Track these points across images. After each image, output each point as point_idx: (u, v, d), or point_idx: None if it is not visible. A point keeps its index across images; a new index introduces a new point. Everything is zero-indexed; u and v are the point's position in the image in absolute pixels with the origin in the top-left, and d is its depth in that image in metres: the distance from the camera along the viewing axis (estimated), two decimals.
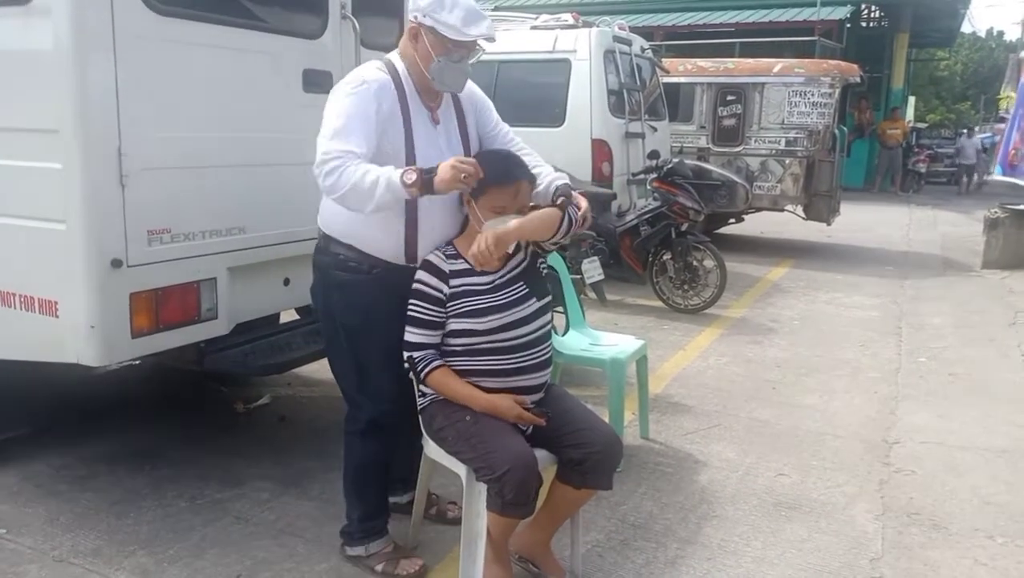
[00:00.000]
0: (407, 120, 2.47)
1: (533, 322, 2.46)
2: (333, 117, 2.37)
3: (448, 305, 2.42)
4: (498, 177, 2.41)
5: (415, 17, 2.44)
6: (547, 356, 2.53)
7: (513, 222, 2.36)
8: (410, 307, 2.45)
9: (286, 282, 3.35)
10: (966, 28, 31.45)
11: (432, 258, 2.47)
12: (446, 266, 2.44)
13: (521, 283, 2.46)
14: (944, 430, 4.16)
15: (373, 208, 2.29)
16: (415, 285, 2.44)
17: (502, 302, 2.42)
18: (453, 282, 2.42)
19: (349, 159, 2.28)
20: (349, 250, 2.52)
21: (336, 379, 2.74)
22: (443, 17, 2.39)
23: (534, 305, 2.47)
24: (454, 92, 2.61)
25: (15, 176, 2.74)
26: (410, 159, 2.44)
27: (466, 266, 2.44)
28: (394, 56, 2.55)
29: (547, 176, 2.57)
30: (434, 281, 2.43)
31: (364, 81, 2.42)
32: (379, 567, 2.69)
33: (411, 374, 2.48)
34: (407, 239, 2.49)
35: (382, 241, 2.49)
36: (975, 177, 19.39)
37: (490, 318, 2.40)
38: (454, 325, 2.43)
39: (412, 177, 2.25)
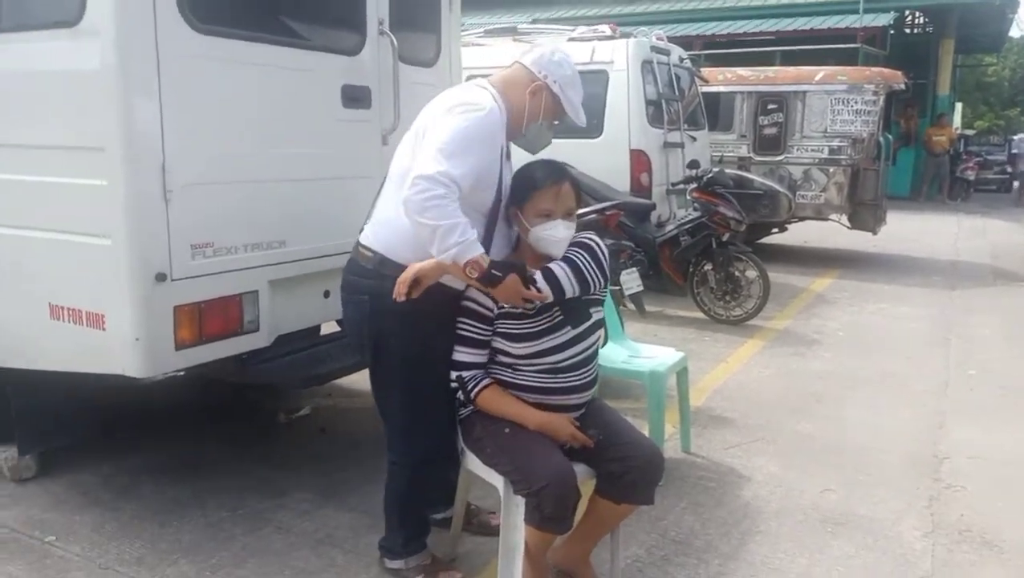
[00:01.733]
0: (502, 155, 2.47)
1: (571, 348, 2.42)
2: (458, 133, 2.28)
3: (495, 322, 2.42)
4: (542, 180, 2.41)
5: (544, 76, 2.47)
6: (589, 378, 2.50)
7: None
8: (459, 326, 2.44)
9: (326, 294, 3.37)
10: (1014, 32, 30.83)
11: None
12: None
13: (556, 309, 2.41)
14: (995, 445, 4.04)
15: (435, 255, 2.25)
16: (465, 303, 2.43)
17: (536, 329, 2.39)
18: None
19: (453, 196, 2.21)
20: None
21: (383, 414, 2.65)
22: (571, 95, 2.50)
23: (569, 333, 2.42)
24: (531, 152, 2.63)
25: (62, 193, 2.81)
26: (499, 192, 2.44)
27: None
28: (490, 88, 2.49)
29: None
30: (484, 299, 2.40)
31: (491, 109, 2.37)
32: None
33: (459, 393, 2.46)
34: None
35: None
36: (960, 181, 18.15)
37: (524, 345, 2.39)
38: (495, 343, 2.43)
39: (475, 274, 2.23)
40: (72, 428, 3.65)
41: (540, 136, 2.58)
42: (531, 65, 2.50)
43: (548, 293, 2.34)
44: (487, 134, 2.35)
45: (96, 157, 2.65)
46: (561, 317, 2.41)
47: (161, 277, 2.71)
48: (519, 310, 2.38)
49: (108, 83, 2.59)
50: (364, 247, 2.52)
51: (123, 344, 2.74)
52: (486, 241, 2.42)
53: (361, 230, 2.59)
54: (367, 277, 2.48)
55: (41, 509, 3.20)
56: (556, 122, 2.59)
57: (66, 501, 3.27)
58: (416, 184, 2.21)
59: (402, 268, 2.39)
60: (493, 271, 2.25)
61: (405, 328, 2.42)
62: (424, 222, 2.21)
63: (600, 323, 2.56)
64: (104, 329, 2.79)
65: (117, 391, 3.58)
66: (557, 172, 2.45)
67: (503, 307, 2.39)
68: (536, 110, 2.49)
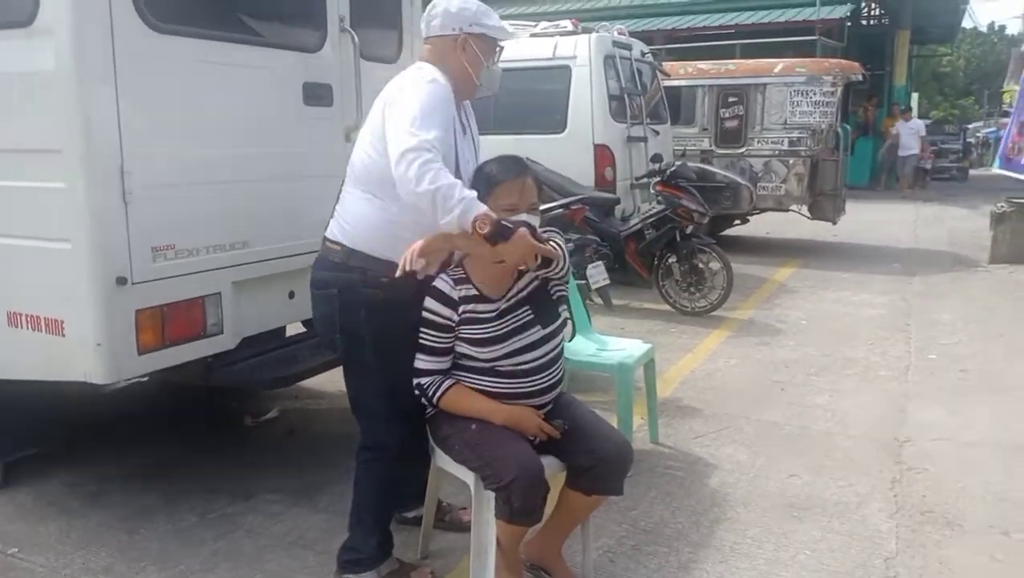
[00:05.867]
0: (453, 127, 2.49)
1: (538, 349, 2.43)
2: (418, 103, 2.30)
3: (456, 329, 2.40)
4: (504, 174, 2.40)
5: (459, 29, 2.51)
6: (554, 380, 2.50)
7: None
8: (420, 335, 2.42)
9: (291, 295, 3.35)
10: (967, 23, 31.46)
11: (440, 285, 2.42)
12: (455, 293, 2.40)
13: (527, 308, 2.43)
14: (956, 427, 4.14)
15: (441, 221, 2.22)
16: (424, 313, 2.41)
17: (504, 331, 2.39)
18: (462, 308, 2.39)
19: (439, 159, 2.22)
20: (376, 264, 2.42)
21: (357, 406, 2.63)
22: (490, 22, 2.55)
23: (538, 333, 2.42)
24: (493, 92, 2.67)
25: (19, 197, 2.76)
26: (454, 165, 2.43)
27: (474, 292, 2.41)
28: (428, 67, 2.51)
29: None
30: (444, 310, 2.39)
31: (436, 80, 2.42)
32: None
33: (423, 400, 2.46)
34: None
35: None
36: (917, 170, 17.46)
37: (491, 349, 2.38)
38: (459, 348, 2.42)
39: (486, 229, 2.18)
40: (36, 437, 3.58)
41: (492, 76, 2.62)
42: (442, 30, 2.53)
43: (559, 255, 2.35)
44: (441, 101, 2.38)
45: (53, 160, 2.61)
46: (531, 316, 2.42)
47: (122, 281, 2.67)
48: (497, 298, 2.37)
49: (64, 84, 2.55)
50: (330, 241, 2.52)
51: (84, 350, 2.70)
52: None
53: (327, 226, 2.57)
54: (335, 270, 2.48)
55: (5, 520, 3.14)
56: (496, 61, 2.63)
57: (31, 511, 3.22)
58: (403, 159, 2.21)
59: (370, 258, 2.42)
60: (504, 223, 2.24)
61: (376, 317, 2.43)
62: (422, 190, 2.19)
63: (565, 322, 2.58)
64: (64, 335, 2.75)
65: (81, 398, 3.53)
66: (518, 165, 2.45)
67: (465, 314, 2.38)
68: (475, 58, 2.53)
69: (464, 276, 2.43)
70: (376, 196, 2.43)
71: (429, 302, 2.40)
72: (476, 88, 2.58)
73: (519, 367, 2.41)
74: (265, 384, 3.44)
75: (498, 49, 2.61)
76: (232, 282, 3.07)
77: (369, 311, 2.44)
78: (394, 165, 2.24)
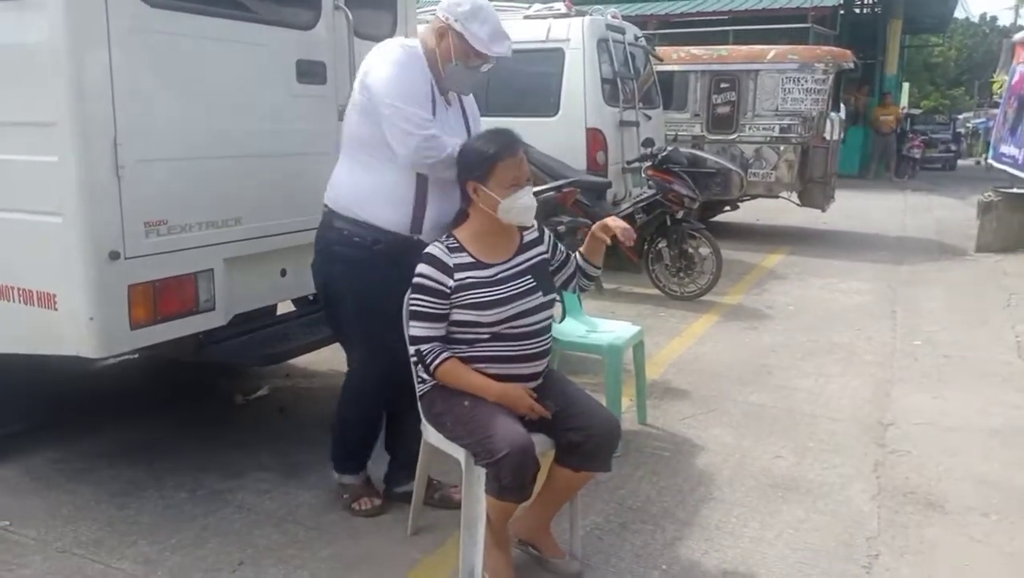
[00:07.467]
0: (433, 94, 2.64)
1: (536, 314, 2.50)
2: (396, 80, 2.54)
3: (452, 297, 2.43)
4: (503, 150, 2.44)
5: (445, 18, 2.61)
6: (546, 347, 2.55)
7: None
8: (413, 301, 2.45)
9: (283, 273, 3.36)
10: (959, 13, 31.51)
11: (434, 251, 2.46)
12: (450, 260, 2.44)
13: (529, 276, 2.50)
14: (939, 411, 4.19)
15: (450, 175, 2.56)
16: (417, 279, 2.44)
17: (509, 294, 2.44)
18: (457, 275, 2.42)
19: (427, 124, 2.54)
20: (354, 225, 2.67)
21: (341, 342, 2.96)
22: (474, 28, 2.58)
23: (539, 299, 2.50)
24: (459, 93, 2.80)
25: (11, 170, 2.74)
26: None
27: (470, 259, 2.45)
28: (410, 40, 2.79)
29: None
30: (438, 275, 2.42)
31: (402, 46, 2.65)
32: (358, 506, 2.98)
33: (419, 366, 2.49)
34: (414, 214, 2.65)
35: (390, 214, 2.65)
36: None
37: (496, 311, 2.42)
38: (457, 316, 2.44)
39: None
40: (25, 413, 3.58)
41: (458, 77, 2.70)
42: (438, 11, 2.68)
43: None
44: (405, 62, 2.59)
45: (46, 132, 2.59)
46: (534, 283, 2.50)
47: (114, 255, 2.67)
48: (495, 264, 2.47)
49: (57, 56, 2.54)
50: (323, 205, 2.80)
51: (76, 324, 2.70)
52: (420, 191, 2.64)
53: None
54: (322, 229, 2.80)
55: None
56: (483, 65, 2.69)
57: (19, 487, 3.22)
58: (415, 136, 2.51)
59: (348, 220, 2.68)
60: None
61: (345, 273, 2.70)
62: (430, 162, 2.54)
63: (555, 297, 2.64)
64: (56, 309, 2.74)
65: (71, 374, 3.53)
66: (513, 139, 2.49)
67: (463, 280, 2.41)
68: (446, 51, 2.64)
69: (458, 245, 2.48)
70: (359, 160, 2.68)
71: (423, 268, 2.44)
72: (442, 77, 2.69)
73: (523, 329, 2.46)
74: (256, 361, 3.46)
75: (475, 57, 2.63)
76: (224, 259, 3.07)
77: (346, 267, 2.70)
78: (396, 145, 2.55)
